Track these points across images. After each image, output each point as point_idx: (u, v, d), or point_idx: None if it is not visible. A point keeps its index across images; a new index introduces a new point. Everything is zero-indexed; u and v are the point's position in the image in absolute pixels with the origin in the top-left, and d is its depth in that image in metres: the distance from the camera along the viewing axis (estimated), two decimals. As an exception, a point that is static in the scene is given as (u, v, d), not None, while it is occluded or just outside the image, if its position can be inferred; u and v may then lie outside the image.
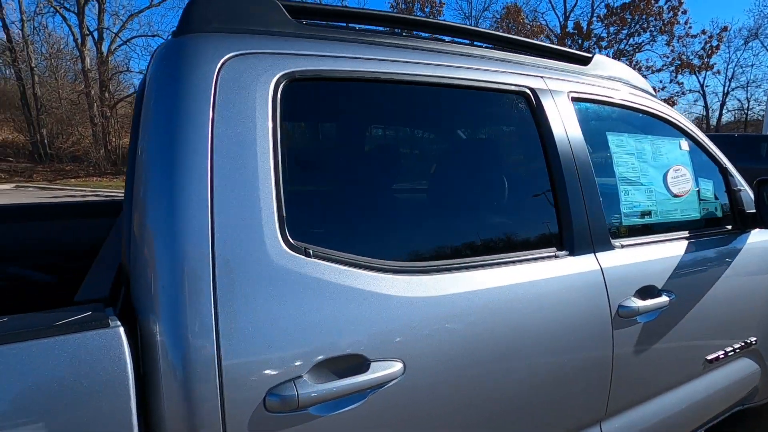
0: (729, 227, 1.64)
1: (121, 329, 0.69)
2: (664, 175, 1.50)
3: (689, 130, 1.62)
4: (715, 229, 1.60)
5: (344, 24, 1.10)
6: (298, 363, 0.78)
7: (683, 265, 1.40)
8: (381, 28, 1.16)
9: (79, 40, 18.26)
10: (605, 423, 1.28)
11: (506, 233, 1.15)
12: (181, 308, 0.72)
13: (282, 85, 0.88)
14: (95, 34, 19.11)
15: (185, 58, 0.82)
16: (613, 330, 1.21)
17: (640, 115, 1.52)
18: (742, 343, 1.62)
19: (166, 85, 0.80)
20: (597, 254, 1.22)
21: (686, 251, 1.42)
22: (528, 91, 1.22)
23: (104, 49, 19.25)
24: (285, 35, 0.95)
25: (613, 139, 1.40)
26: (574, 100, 1.33)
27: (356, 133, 1.13)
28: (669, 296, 1.32)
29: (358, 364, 0.84)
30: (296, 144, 0.93)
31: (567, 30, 22.12)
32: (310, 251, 0.84)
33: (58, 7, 18.06)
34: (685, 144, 1.60)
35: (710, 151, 1.67)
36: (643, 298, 1.27)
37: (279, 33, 0.95)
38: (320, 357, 0.81)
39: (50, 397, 0.64)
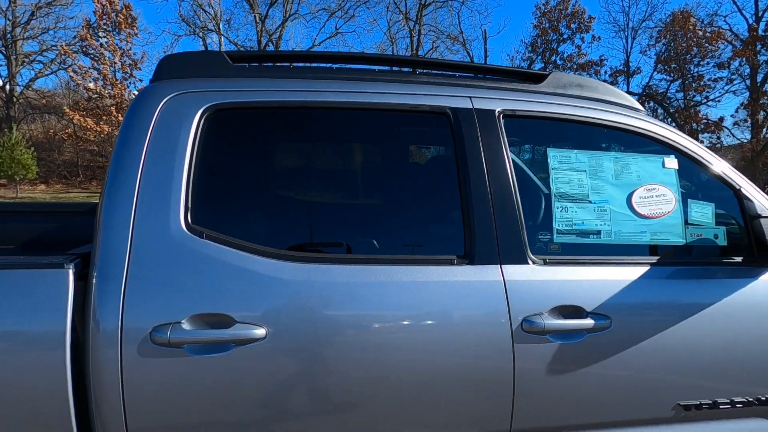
0: (739, 259, 1.40)
1: (71, 271, 1.08)
2: (630, 194, 1.39)
3: (684, 148, 1.45)
4: (709, 259, 1.39)
5: (288, 64, 1.39)
6: (178, 312, 1.08)
7: (636, 291, 1.28)
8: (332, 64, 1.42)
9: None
10: (514, 439, 1.26)
11: (402, 239, 1.27)
12: (105, 267, 1.09)
13: (207, 113, 1.22)
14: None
15: (140, 99, 1.21)
16: (514, 343, 1.20)
17: (606, 131, 1.45)
18: (754, 399, 1.35)
19: (126, 119, 1.21)
20: (503, 266, 1.24)
21: (645, 277, 1.30)
22: (448, 111, 1.33)
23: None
24: (224, 77, 1.29)
25: (555, 155, 1.37)
26: (508, 117, 1.37)
27: (264, 149, 1.38)
28: (600, 321, 1.24)
29: (225, 322, 1.09)
30: (212, 156, 1.24)
31: (757, 33, 18.43)
32: (204, 234, 1.14)
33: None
34: (671, 162, 1.44)
35: (716, 171, 1.46)
36: (561, 318, 1.23)
37: (220, 75, 1.29)
38: (196, 311, 1.09)
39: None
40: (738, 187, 1.45)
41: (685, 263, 1.37)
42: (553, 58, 23.80)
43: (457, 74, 1.45)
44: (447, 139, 1.32)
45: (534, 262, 1.27)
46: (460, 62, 1.49)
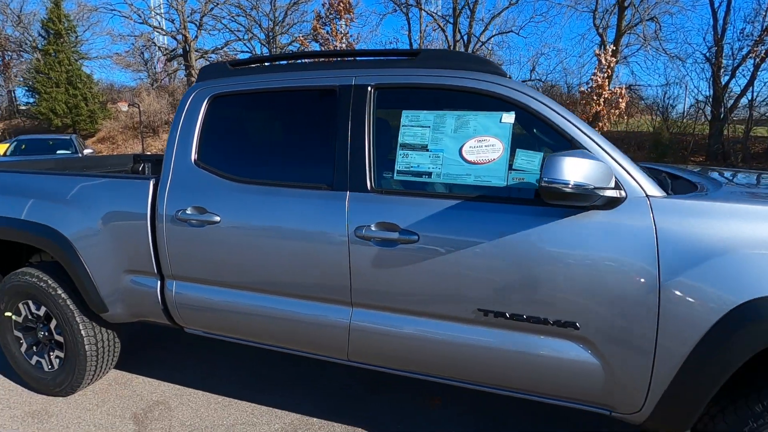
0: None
1: (151, 182, 2.22)
2: (463, 144, 1.73)
3: (526, 105, 1.67)
4: (520, 198, 1.64)
5: (268, 64, 2.22)
6: (185, 204, 2.10)
7: (444, 217, 1.69)
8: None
9: (452, 46, 22.96)
10: (356, 310, 1.88)
11: (300, 173, 1.98)
12: (163, 181, 2.19)
13: (210, 99, 2.18)
14: (465, 38, 23.40)
15: (186, 93, 2.25)
16: (350, 243, 1.82)
17: (461, 93, 1.78)
18: (553, 319, 1.59)
19: (179, 105, 2.27)
20: (350, 192, 1.84)
21: (455, 207, 1.69)
22: (336, 88, 1.94)
23: (469, 50, 23.30)
24: (226, 76, 2.22)
25: (407, 114, 1.82)
26: (380, 89, 1.89)
27: (238, 118, 2.19)
28: (409, 236, 1.72)
29: (202, 211, 2.07)
30: (209, 124, 2.17)
31: None
32: (202, 165, 2.12)
33: (441, 23, 23.21)
34: (507, 117, 1.69)
35: (555, 125, 1.63)
36: (382, 230, 1.76)
37: (223, 76, 2.22)
38: (192, 204, 2.09)
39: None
40: (570, 139, 1.61)
41: (493, 200, 1.66)
42: None
43: (359, 59, 2.02)
44: (335, 107, 1.94)
45: (373, 191, 1.82)
46: (362, 50, 2.03)
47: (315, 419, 2.44)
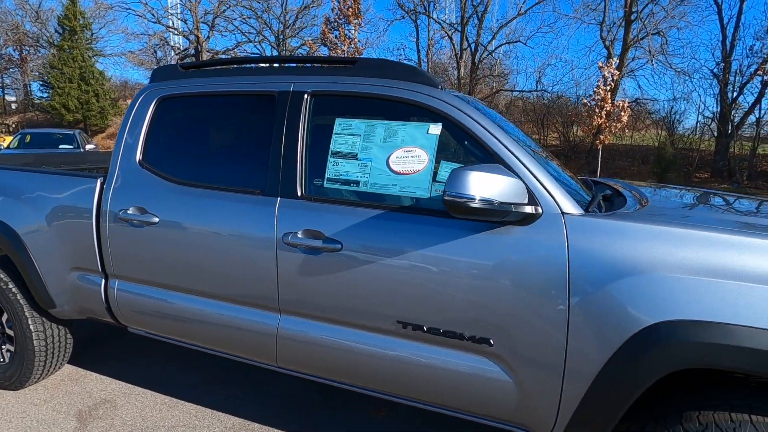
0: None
1: (99, 180, 2.24)
2: (390, 154, 1.73)
3: (452, 117, 1.67)
4: (439, 210, 1.62)
5: (219, 67, 2.24)
6: (128, 204, 2.12)
7: (367, 227, 1.68)
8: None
9: (458, 54, 23.03)
10: (283, 316, 1.88)
11: (237, 177, 1.99)
12: (109, 181, 2.21)
13: (159, 101, 2.20)
14: (472, 46, 23.45)
15: (137, 94, 2.27)
16: (278, 250, 1.81)
17: (390, 103, 1.78)
18: (468, 335, 1.57)
19: (129, 105, 2.29)
20: (281, 198, 1.84)
21: (378, 218, 1.68)
22: (275, 93, 1.95)
23: (476, 59, 23.35)
24: (176, 78, 2.23)
25: (340, 122, 1.82)
26: (317, 96, 1.89)
27: (182, 119, 2.20)
28: (332, 244, 1.71)
29: (143, 211, 2.08)
30: (161, 126, 2.19)
31: None
32: (145, 166, 2.14)
33: (449, 32, 23.29)
34: (435, 129, 1.69)
35: (478, 138, 1.62)
36: (308, 238, 1.76)
37: (173, 78, 2.24)
38: (134, 204, 2.11)
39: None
40: (491, 153, 1.60)
41: (416, 211, 1.65)
42: None
43: (303, 65, 2.03)
44: (272, 113, 1.95)
45: (302, 198, 1.82)
46: (306, 57, 2.03)
47: (257, 424, 2.43)
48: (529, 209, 1.48)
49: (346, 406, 2.61)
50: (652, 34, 18.62)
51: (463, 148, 1.78)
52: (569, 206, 1.51)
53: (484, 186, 1.38)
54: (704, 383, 1.43)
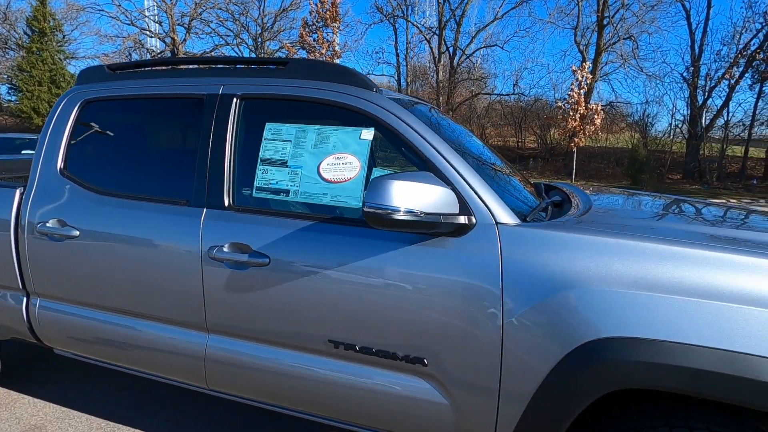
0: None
1: (18, 190, 2.07)
2: (321, 161, 1.62)
3: (385, 121, 1.57)
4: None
5: (150, 68, 2.09)
6: (48, 217, 1.96)
7: (296, 240, 1.57)
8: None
9: (436, 57, 23.12)
10: (212, 336, 1.74)
11: (164, 186, 1.85)
12: (29, 190, 2.04)
13: (83, 104, 2.04)
14: (450, 50, 23.58)
15: (60, 98, 2.11)
16: (203, 264, 1.68)
17: (321, 107, 1.67)
18: (402, 354, 1.47)
19: (52, 109, 2.13)
20: (207, 209, 1.71)
21: (308, 229, 1.56)
22: (203, 96, 1.82)
23: (455, 63, 23.48)
24: (102, 81, 2.08)
25: (270, 127, 1.71)
26: (247, 99, 1.77)
27: (116, 125, 2.06)
28: (260, 258, 1.59)
29: (63, 224, 1.92)
30: (84, 132, 2.03)
31: None
32: (67, 174, 1.98)
33: (428, 36, 23.40)
34: (367, 134, 1.58)
35: (411, 143, 1.53)
36: (235, 251, 1.63)
37: (100, 80, 2.09)
38: (55, 217, 1.94)
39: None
40: (424, 159, 1.50)
41: (347, 222, 1.54)
42: None
43: (235, 67, 1.91)
44: (200, 117, 1.82)
45: (230, 209, 1.69)
46: (237, 58, 1.92)
47: (197, 449, 2.28)
48: (461, 219, 1.39)
49: (295, 424, 2.47)
50: (624, 38, 19.02)
51: (401, 154, 1.68)
52: (504, 215, 1.42)
53: (408, 196, 1.28)
54: (646, 403, 1.35)
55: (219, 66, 1.94)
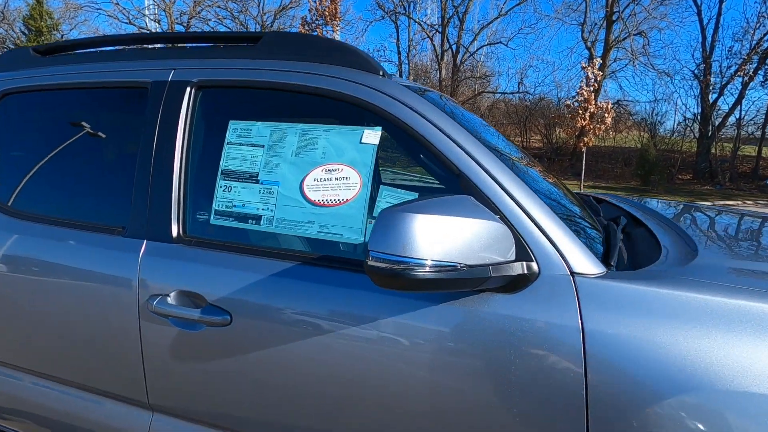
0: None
1: None
2: (306, 175, 1.13)
3: (400, 120, 1.08)
4: None
5: (92, 50, 1.61)
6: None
7: (269, 290, 1.08)
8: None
9: (439, 56, 22.58)
10: (156, 416, 1.26)
11: (95, 210, 1.37)
12: None
13: (1, 97, 1.55)
14: (453, 48, 23.06)
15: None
16: (141, 320, 1.20)
17: (307, 97, 1.19)
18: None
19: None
20: (148, 242, 1.22)
21: (290, 276, 1.08)
22: (149, 85, 1.33)
23: (458, 61, 22.97)
24: (27, 67, 1.60)
25: (236, 127, 1.22)
26: (205, 87, 1.28)
27: (40, 124, 1.57)
28: (218, 315, 1.10)
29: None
30: (8, 125, 1.55)
31: None
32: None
33: (430, 33, 22.89)
34: (371, 136, 1.09)
35: (438, 151, 1.03)
36: (184, 304, 1.15)
37: (24, 66, 1.60)
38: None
39: None
40: (458, 173, 1.01)
41: (344, 265, 1.05)
42: None
43: (189, 46, 1.42)
44: (143, 113, 1.33)
45: (180, 242, 1.20)
46: (192, 33, 1.44)
47: None
48: (518, 268, 0.90)
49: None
50: (634, 34, 18.46)
51: (421, 165, 1.19)
52: (583, 261, 0.93)
53: (438, 237, 0.79)
54: None
55: (170, 46, 1.45)
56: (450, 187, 1.07)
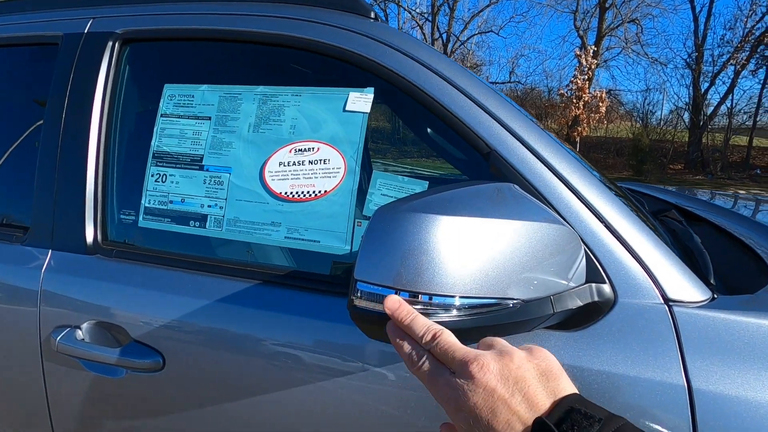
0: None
1: None
2: (269, 158, 0.80)
3: (401, 75, 0.75)
4: None
5: None
6: None
7: (214, 322, 0.76)
8: None
9: (430, 45, 22.15)
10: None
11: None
12: None
13: None
14: (444, 37, 22.65)
15: None
16: (44, 360, 0.87)
17: (274, 50, 0.86)
18: None
19: None
20: (54, 252, 0.89)
21: (236, 298, 0.76)
22: (60, 38, 0.99)
23: (448, 50, 22.58)
24: None
25: (173, 93, 0.88)
26: (130, 40, 0.94)
27: None
28: (145, 357, 0.78)
29: None
30: None
31: None
32: None
33: (420, 21, 22.48)
34: (359, 101, 0.77)
35: (457, 120, 0.71)
36: (100, 340, 0.82)
37: None
38: None
39: None
40: (488, 150, 0.69)
41: (325, 285, 0.73)
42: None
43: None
44: (51, 76, 0.99)
45: (96, 252, 0.87)
46: None
47: None
48: (586, 295, 0.59)
49: None
50: (627, 22, 18.23)
51: (428, 144, 0.88)
52: (683, 283, 0.62)
53: (472, 255, 0.47)
54: None
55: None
56: (473, 174, 0.75)
